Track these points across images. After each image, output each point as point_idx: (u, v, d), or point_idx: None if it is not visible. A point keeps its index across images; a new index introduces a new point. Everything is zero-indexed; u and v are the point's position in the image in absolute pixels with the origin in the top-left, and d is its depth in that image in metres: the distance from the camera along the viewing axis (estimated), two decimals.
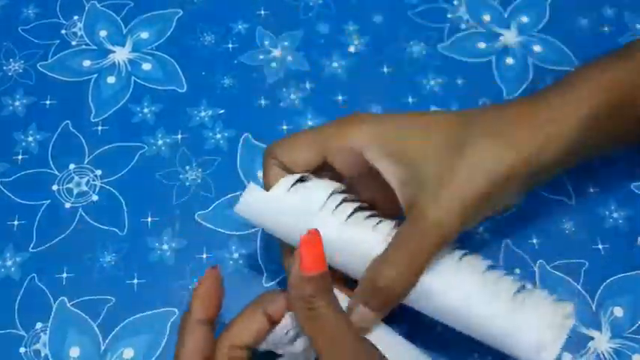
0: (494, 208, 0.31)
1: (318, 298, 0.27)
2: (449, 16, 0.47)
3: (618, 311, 0.35)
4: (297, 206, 0.30)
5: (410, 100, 0.43)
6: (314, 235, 0.27)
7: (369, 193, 0.33)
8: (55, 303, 0.35)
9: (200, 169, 0.40)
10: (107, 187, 0.39)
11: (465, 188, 0.29)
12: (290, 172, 0.32)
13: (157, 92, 0.43)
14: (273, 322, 0.28)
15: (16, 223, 0.38)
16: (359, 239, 0.30)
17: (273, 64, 0.44)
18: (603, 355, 0.34)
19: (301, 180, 0.31)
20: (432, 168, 0.29)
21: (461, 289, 0.29)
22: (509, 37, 0.46)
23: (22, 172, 0.40)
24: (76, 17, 0.46)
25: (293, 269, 0.27)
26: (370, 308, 0.29)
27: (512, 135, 0.30)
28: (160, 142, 0.41)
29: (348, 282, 0.31)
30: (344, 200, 0.31)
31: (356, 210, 0.31)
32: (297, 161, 0.31)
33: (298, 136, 0.32)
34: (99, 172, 0.40)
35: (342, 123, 0.32)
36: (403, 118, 0.32)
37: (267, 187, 0.32)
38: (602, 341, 0.34)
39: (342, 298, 0.30)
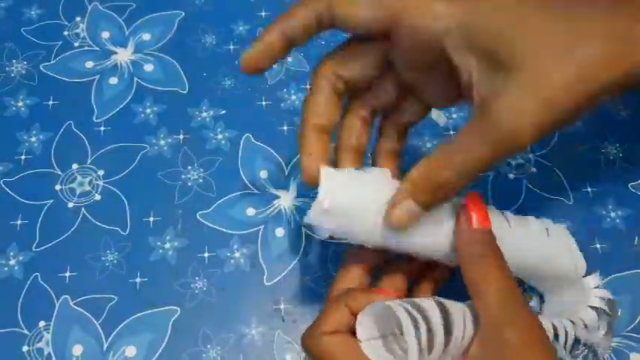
0: (572, 120, 0.26)
1: (490, 253, 0.27)
2: None
3: None
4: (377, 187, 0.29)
5: None
6: (476, 194, 0.27)
7: (388, 95, 0.30)
8: (57, 302, 0.35)
9: (202, 169, 0.40)
10: (110, 186, 0.39)
11: (563, 84, 0.23)
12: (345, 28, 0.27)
13: (159, 93, 0.43)
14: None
15: (19, 222, 0.38)
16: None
17: (274, 65, 0.45)
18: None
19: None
20: (528, 59, 0.24)
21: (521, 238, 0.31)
22: None
23: (26, 172, 0.40)
24: (78, 19, 0.47)
25: (460, 229, 0.27)
26: (419, 204, 0.27)
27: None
28: (162, 142, 0.41)
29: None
30: None
31: None
32: (357, 16, 0.26)
33: None
34: (101, 172, 0.40)
35: None
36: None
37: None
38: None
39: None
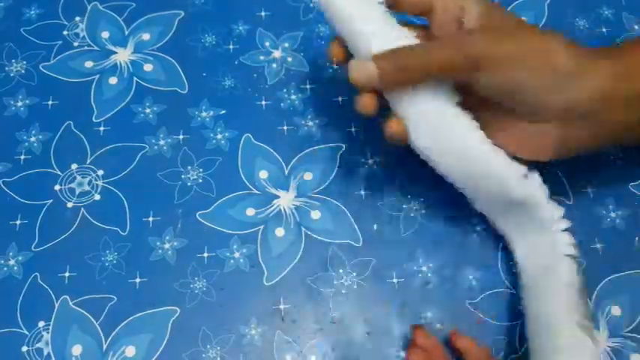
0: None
1: None
2: None
3: (616, 310, 0.35)
4: None
5: None
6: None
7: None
8: (57, 302, 0.35)
9: (201, 169, 0.40)
10: (109, 186, 0.39)
11: None
12: None
13: (159, 93, 0.43)
14: None
15: (18, 222, 0.38)
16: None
17: (274, 65, 0.45)
18: (602, 354, 0.34)
19: None
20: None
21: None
22: None
23: (25, 172, 0.40)
24: (78, 18, 0.47)
25: None
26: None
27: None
28: (162, 142, 0.41)
29: None
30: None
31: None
32: None
33: None
34: (101, 172, 0.40)
35: None
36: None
37: None
38: (600, 340, 0.35)
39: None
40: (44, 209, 0.38)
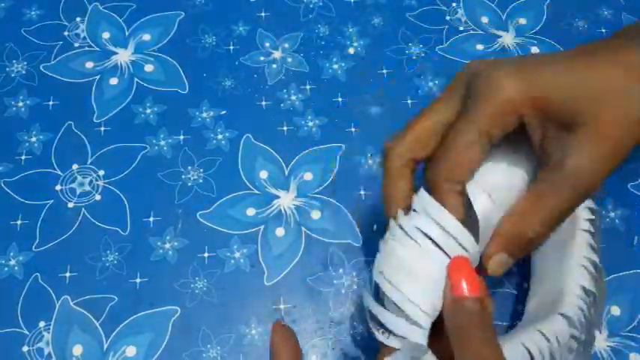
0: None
1: (473, 327, 0.25)
2: (447, 18, 0.47)
3: (615, 310, 0.36)
4: None
5: (409, 101, 0.43)
6: (463, 259, 0.28)
7: None
8: (58, 302, 0.35)
9: (202, 170, 0.40)
10: (110, 187, 0.39)
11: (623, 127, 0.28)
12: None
13: (159, 93, 0.43)
14: None
15: (19, 222, 0.38)
16: None
17: (274, 66, 0.45)
18: (601, 353, 0.34)
19: None
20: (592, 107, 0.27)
21: None
22: (507, 38, 0.46)
23: (26, 173, 0.40)
24: (78, 19, 0.47)
25: (446, 294, 0.27)
26: (510, 256, 0.29)
27: None
28: (162, 142, 0.41)
29: None
30: None
31: None
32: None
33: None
34: (102, 173, 0.40)
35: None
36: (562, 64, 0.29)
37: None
38: (599, 340, 0.35)
39: None
40: (45, 209, 0.39)
